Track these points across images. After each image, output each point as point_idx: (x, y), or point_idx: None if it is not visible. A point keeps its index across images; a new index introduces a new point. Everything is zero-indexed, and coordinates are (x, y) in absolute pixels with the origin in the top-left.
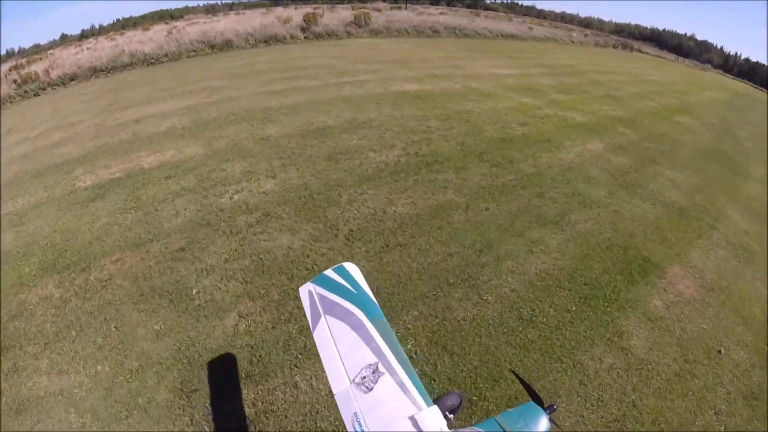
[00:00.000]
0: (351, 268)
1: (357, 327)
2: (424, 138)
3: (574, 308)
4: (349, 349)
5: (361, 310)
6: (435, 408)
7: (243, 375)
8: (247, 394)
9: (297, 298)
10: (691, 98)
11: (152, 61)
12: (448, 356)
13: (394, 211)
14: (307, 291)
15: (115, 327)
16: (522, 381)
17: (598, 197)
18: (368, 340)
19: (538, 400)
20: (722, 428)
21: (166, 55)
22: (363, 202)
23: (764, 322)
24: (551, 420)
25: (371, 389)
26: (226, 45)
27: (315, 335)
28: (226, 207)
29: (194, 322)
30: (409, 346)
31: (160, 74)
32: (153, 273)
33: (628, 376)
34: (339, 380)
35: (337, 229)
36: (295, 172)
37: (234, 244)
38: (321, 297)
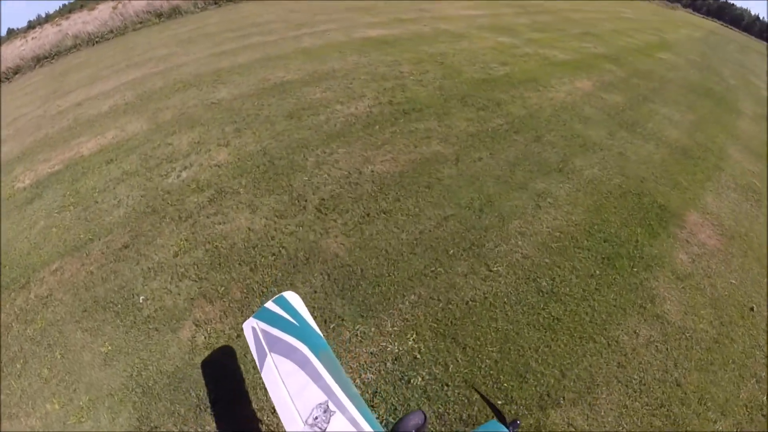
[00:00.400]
0: (292, 297)
1: (303, 364)
2: (398, 84)
3: (598, 272)
4: (298, 389)
5: (305, 344)
6: None
7: (208, 401)
8: (216, 426)
9: (264, 293)
10: (669, 35)
11: (97, 39)
12: (461, 351)
13: (372, 171)
14: (250, 327)
15: (60, 354)
16: (482, 396)
17: (599, 138)
18: (316, 377)
19: (501, 418)
20: (765, 397)
21: (112, 31)
22: (334, 164)
23: None
24: None
25: (324, 430)
26: (174, 11)
27: (263, 375)
28: (173, 188)
29: (144, 338)
30: (410, 343)
31: (105, 52)
32: (95, 281)
33: (667, 349)
34: (292, 422)
35: (306, 200)
36: (251, 136)
37: (184, 233)
38: (264, 333)
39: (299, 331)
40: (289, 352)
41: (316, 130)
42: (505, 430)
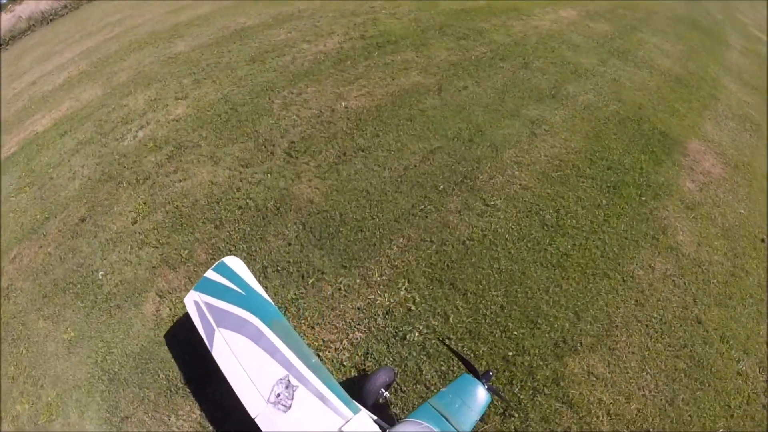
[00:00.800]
0: (233, 263)
1: (256, 338)
2: (369, 19)
3: (604, 202)
4: (255, 365)
5: (256, 315)
6: (362, 413)
7: (178, 382)
8: (190, 409)
9: (231, 252)
10: None
11: (51, 17)
12: (461, 298)
13: (346, 108)
14: (192, 301)
15: (24, 348)
16: (451, 349)
17: (591, 65)
18: (272, 351)
19: (473, 371)
20: None
21: (66, 6)
22: (303, 104)
23: None
24: (490, 389)
25: (290, 407)
26: None
27: (214, 354)
28: (129, 150)
29: (107, 318)
30: (402, 293)
31: (59, 28)
32: (53, 262)
33: (685, 284)
34: (254, 402)
35: (273, 145)
36: (211, 86)
37: (142, 196)
38: (209, 306)
39: (247, 300)
40: (239, 326)
41: (282, 71)
42: (478, 382)
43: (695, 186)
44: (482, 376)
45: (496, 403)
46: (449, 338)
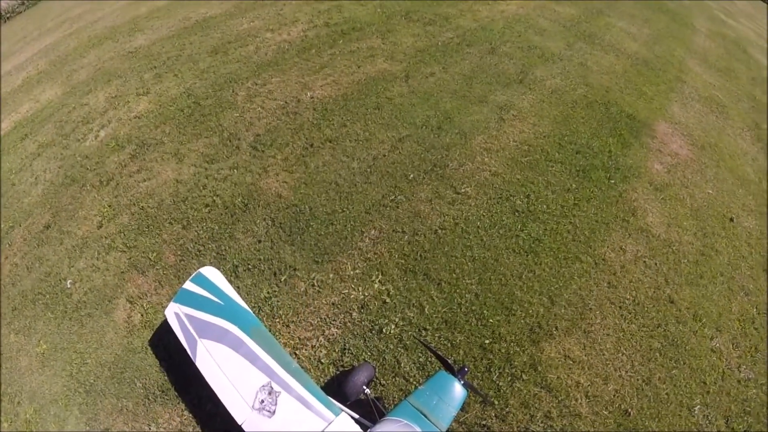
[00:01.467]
0: (210, 273)
1: (237, 346)
2: (333, 6)
3: (574, 186)
4: (237, 373)
5: (235, 324)
6: (343, 415)
7: (156, 389)
8: (170, 417)
9: (201, 252)
10: None
11: (9, 14)
12: (435, 288)
13: (312, 98)
14: (173, 314)
15: None
16: (426, 346)
17: (558, 49)
18: (253, 358)
19: (449, 367)
20: (755, 311)
21: (23, 3)
22: (267, 95)
23: (758, 182)
24: (466, 384)
25: (274, 412)
26: None
27: (198, 365)
28: (91, 151)
29: (78, 328)
30: (376, 285)
31: (16, 25)
32: (20, 273)
33: (656, 264)
34: (239, 409)
35: (239, 138)
36: (173, 79)
37: (107, 199)
38: (190, 318)
39: (225, 310)
40: (220, 336)
41: (245, 62)
42: (454, 378)
43: (663, 168)
44: (458, 372)
45: (472, 396)
46: (425, 329)
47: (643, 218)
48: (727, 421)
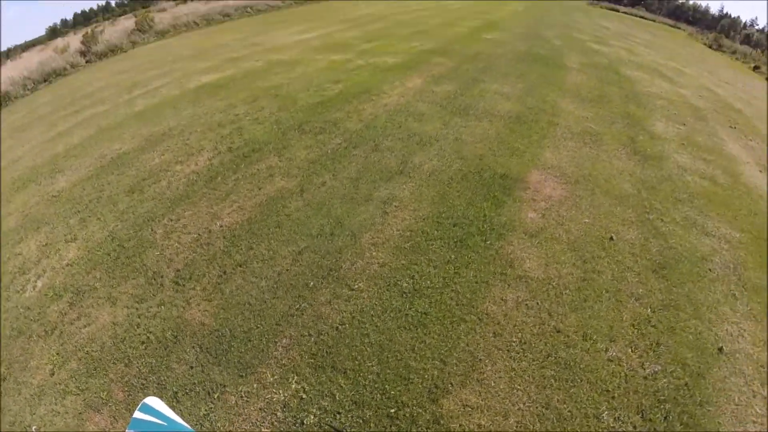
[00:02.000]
0: (154, 402)
1: None
2: (235, 129)
3: (453, 256)
4: None
5: None
6: None
7: None
8: None
9: (144, 385)
10: (495, 15)
11: None
12: (342, 376)
13: (221, 226)
14: None
15: None
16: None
17: (435, 131)
18: None
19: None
20: (649, 311)
21: None
22: (182, 230)
23: (636, 193)
24: None
25: None
26: (4, 99)
27: None
28: (32, 302)
29: None
30: (293, 386)
31: None
32: None
33: (538, 303)
34: None
35: (162, 276)
36: (96, 223)
37: (54, 347)
38: None
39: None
40: None
41: (160, 198)
42: None
43: (537, 214)
44: None
45: None
46: (339, 412)
47: (520, 266)
48: (642, 415)
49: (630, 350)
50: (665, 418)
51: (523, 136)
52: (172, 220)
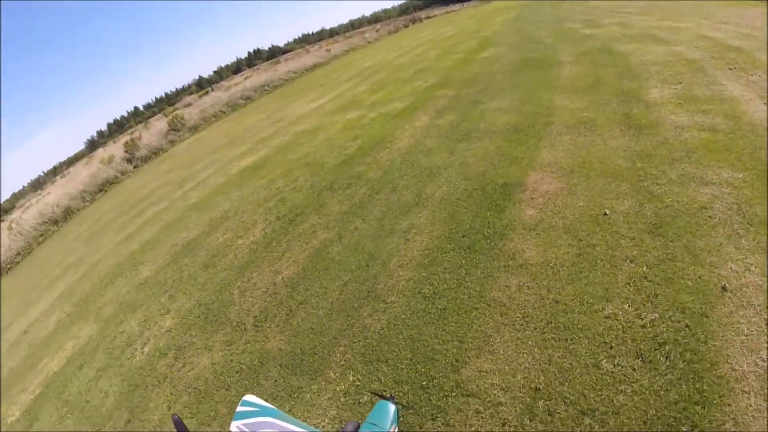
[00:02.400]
0: (252, 398)
1: None
2: (278, 200)
3: (464, 261)
4: None
5: (286, 422)
6: None
7: None
8: None
9: (239, 400)
10: (488, 30)
11: (9, 267)
12: (385, 365)
13: (282, 278)
14: (236, 428)
15: None
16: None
17: (442, 161)
18: None
19: (384, 398)
20: (645, 268)
21: (18, 253)
22: (253, 287)
23: (631, 165)
24: (395, 402)
25: None
26: (68, 213)
27: None
28: (143, 363)
29: None
30: (351, 378)
31: (20, 279)
32: None
33: (537, 283)
34: None
35: (244, 323)
36: (183, 297)
37: (167, 389)
38: (248, 425)
39: (279, 415)
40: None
41: (230, 268)
42: (391, 403)
43: (535, 211)
44: (389, 398)
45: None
46: (385, 390)
47: (521, 257)
48: (642, 358)
49: (627, 306)
50: (666, 357)
51: (521, 143)
52: (243, 282)
